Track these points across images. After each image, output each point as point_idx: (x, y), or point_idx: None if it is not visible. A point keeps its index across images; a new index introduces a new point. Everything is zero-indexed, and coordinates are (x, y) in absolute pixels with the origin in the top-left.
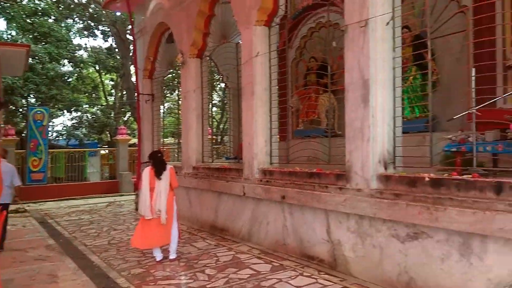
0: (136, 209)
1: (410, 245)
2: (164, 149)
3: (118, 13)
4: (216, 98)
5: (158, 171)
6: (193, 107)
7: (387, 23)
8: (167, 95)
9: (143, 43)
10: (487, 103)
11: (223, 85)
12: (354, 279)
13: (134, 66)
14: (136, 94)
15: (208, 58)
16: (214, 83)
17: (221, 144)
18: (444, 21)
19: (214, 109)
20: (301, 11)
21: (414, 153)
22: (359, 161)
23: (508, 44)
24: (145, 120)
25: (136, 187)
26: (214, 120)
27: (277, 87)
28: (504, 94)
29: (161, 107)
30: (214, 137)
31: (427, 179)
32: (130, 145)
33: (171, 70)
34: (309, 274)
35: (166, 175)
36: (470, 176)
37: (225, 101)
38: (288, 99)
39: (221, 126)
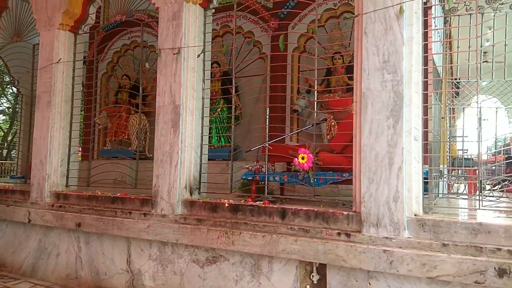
0: None
1: (209, 269)
2: None
3: None
4: (5, 104)
5: None
6: None
7: (198, 55)
8: None
9: None
10: (277, 139)
11: (15, 89)
12: None
13: None
14: None
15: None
16: (4, 86)
17: (8, 159)
18: (248, 63)
19: (2, 117)
20: (115, 25)
21: (218, 179)
22: (166, 186)
23: (295, 91)
24: None
25: None
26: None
27: (83, 100)
28: (290, 132)
29: None
30: None
31: (226, 204)
32: None
33: None
34: None
35: None
36: (262, 202)
37: (17, 109)
38: (94, 115)
39: (9, 138)
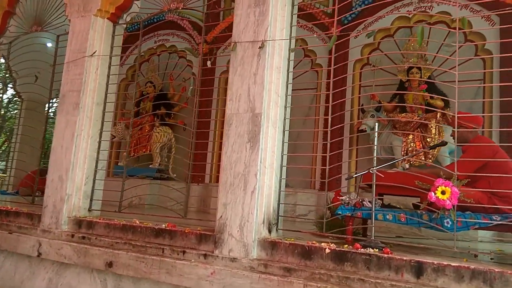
0: None
1: None
2: None
3: None
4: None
5: None
6: None
7: (292, 50)
8: None
9: None
10: (387, 163)
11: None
12: None
13: None
14: None
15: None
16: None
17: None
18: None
19: None
20: (138, 26)
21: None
22: (237, 219)
23: (355, 108)
24: None
25: None
26: None
27: (114, 104)
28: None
29: None
30: None
31: (327, 250)
32: None
33: None
34: None
35: None
36: (377, 250)
37: (11, 114)
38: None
39: None
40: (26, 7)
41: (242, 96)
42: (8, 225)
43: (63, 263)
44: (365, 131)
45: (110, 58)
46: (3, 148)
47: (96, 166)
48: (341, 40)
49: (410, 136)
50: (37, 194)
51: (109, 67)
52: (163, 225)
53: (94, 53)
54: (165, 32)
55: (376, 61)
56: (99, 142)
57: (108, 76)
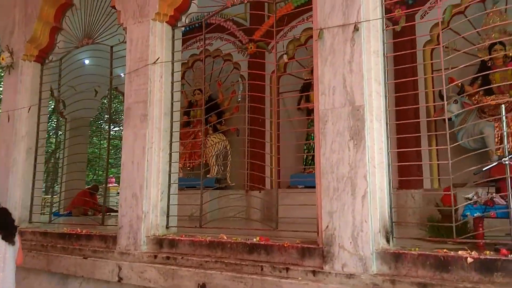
0: None
1: None
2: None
3: None
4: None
5: (7, 233)
6: (22, 134)
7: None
8: None
9: None
10: None
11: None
12: None
13: None
14: None
15: (51, 64)
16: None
17: (50, 193)
18: None
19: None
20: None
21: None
22: (348, 229)
23: (430, 95)
24: None
25: None
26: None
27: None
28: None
29: None
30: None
31: (469, 260)
32: None
33: None
34: None
35: (17, 241)
36: None
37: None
38: None
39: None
40: (73, 21)
41: (337, 88)
42: (81, 249)
43: (146, 287)
44: (449, 119)
45: (173, 64)
46: (51, 169)
47: (169, 180)
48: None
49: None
50: (89, 213)
51: (172, 74)
52: (254, 239)
53: (157, 60)
54: (207, 36)
55: (451, 44)
56: (170, 155)
57: (172, 84)
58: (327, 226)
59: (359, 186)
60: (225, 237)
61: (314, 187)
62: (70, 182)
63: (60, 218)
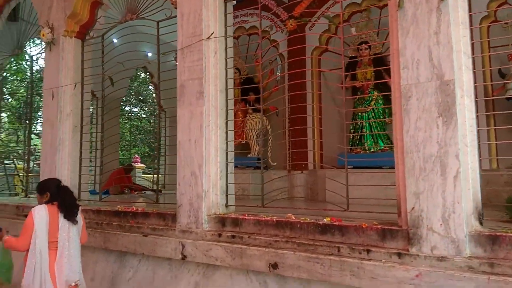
0: None
1: None
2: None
3: None
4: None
5: (70, 211)
6: (67, 112)
7: None
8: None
9: None
10: None
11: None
12: None
13: None
14: None
15: (93, 40)
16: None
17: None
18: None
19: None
20: None
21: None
22: (437, 210)
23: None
24: None
25: None
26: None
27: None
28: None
29: None
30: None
31: None
32: None
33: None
34: None
35: (79, 219)
36: None
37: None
38: None
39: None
40: None
41: (422, 62)
42: (139, 227)
43: (210, 265)
44: (508, 99)
45: (225, 39)
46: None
47: (227, 159)
48: None
49: None
50: (125, 191)
51: (226, 50)
52: (325, 220)
53: (211, 34)
54: (243, 13)
55: (506, 17)
56: (226, 133)
57: (226, 60)
58: (413, 208)
59: (450, 166)
60: (293, 217)
61: (362, 167)
62: (105, 161)
63: (93, 195)
